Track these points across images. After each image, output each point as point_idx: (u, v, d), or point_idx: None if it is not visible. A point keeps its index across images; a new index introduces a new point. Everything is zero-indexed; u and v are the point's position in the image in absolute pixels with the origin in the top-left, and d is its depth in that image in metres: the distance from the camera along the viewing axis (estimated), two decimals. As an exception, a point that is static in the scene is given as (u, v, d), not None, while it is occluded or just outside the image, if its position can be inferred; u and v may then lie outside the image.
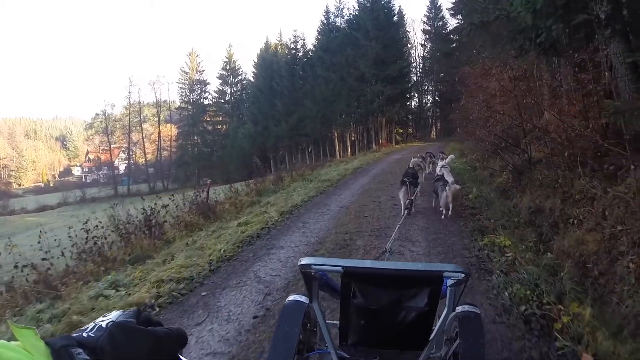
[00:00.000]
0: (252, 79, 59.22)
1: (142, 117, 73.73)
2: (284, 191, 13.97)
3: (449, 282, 1.65)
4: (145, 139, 75.27)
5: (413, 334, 1.75)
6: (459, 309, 1.91)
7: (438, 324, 1.78)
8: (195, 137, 69.90)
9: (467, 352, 1.75)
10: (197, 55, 72.05)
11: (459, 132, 19.65)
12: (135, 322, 0.84)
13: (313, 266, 1.68)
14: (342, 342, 1.90)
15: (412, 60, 57.01)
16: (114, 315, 0.86)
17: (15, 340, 0.64)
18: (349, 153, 42.74)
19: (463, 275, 1.58)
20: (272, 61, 50.31)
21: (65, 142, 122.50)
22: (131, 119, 71.50)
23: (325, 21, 45.35)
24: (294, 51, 49.06)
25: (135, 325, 0.82)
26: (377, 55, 39.06)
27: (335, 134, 44.59)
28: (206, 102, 70.84)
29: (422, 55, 61.34)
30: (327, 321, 1.95)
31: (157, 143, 74.46)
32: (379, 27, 40.06)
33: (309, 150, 46.90)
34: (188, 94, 70.43)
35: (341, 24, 45.03)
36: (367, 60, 39.32)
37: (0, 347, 0.60)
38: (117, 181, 67.84)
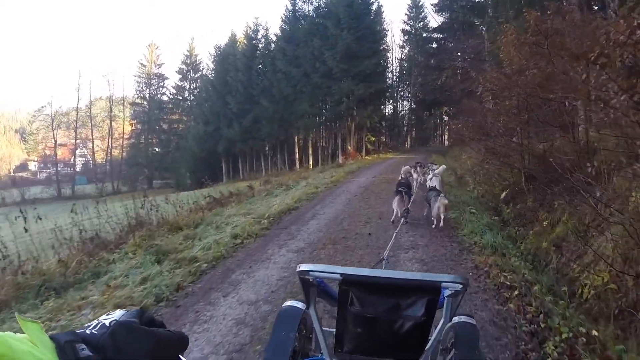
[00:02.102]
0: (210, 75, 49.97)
1: (91, 112, 64.27)
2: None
3: (447, 292, 1.60)
4: (100, 136, 66.18)
5: (409, 343, 1.65)
6: (455, 319, 1.84)
7: (434, 334, 1.75)
8: (150, 136, 61.00)
9: None
10: (157, 47, 63.74)
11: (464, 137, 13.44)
12: (138, 322, 0.83)
13: (311, 273, 1.62)
14: (337, 349, 1.78)
15: (389, 64, 50.04)
16: (117, 314, 0.83)
17: (22, 333, 0.64)
18: (311, 163, 34.42)
19: (461, 285, 1.52)
20: (228, 53, 41.47)
21: (24, 135, 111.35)
22: (80, 114, 62.47)
23: (291, 7, 36.70)
24: (253, 42, 40.09)
25: (137, 325, 0.81)
26: (349, 47, 30.72)
27: (296, 140, 35.86)
28: (164, 98, 62.11)
29: (400, 57, 54.39)
30: (323, 328, 1.87)
31: (109, 141, 64.89)
32: (353, 15, 31.77)
33: (268, 157, 38.27)
34: (144, 88, 61.75)
35: (308, 11, 36.47)
36: (336, 53, 30.97)
37: (11, 338, 0.60)
38: (73, 180, 60.49)
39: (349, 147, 33.03)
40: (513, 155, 8.91)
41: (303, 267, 1.63)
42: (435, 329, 1.74)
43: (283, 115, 33.69)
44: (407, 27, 48.52)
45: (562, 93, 7.30)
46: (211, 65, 46.35)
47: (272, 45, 38.43)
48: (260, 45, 39.82)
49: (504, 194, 8.33)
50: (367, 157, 31.33)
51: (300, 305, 1.95)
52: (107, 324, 0.77)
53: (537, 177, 7.71)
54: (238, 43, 42.44)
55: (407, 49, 50.97)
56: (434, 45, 43.36)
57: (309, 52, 32.52)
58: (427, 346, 1.73)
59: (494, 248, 5.80)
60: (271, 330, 1.91)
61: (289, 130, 34.33)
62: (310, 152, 35.15)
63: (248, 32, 40.65)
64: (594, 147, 6.94)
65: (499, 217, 8.07)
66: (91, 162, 67.23)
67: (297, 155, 35.52)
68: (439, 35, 42.31)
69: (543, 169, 7.87)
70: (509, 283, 4.48)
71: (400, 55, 54.11)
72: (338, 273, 1.56)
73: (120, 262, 6.04)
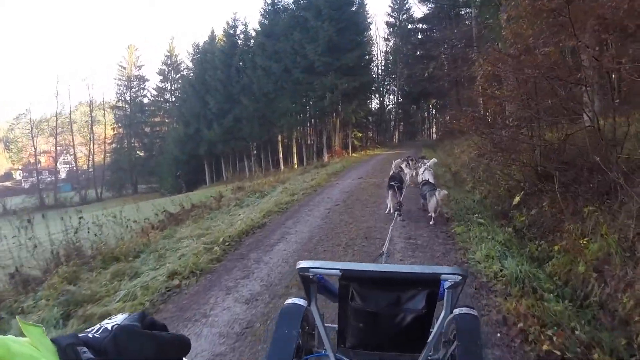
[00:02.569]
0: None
1: (71, 118, 61.90)
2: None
3: (447, 284, 1.55)
4: (84, 142, 63.67)
5: (411, 336, 1.65)
6: (456, 311, 1.85)
7: (436, 327, 1.69)
8: (133, 140, 58.87)
9: (465, 354, 1.70)
10: (137, 49, 61.51)
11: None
12: (140, 325, 0.82)
13: (311, 269, 1.61)
14: (340, 345, 1.81)
15: (374, 57, 48.44)
16: (119, 318, 0.83)
17: (23, 336, 0.64)
18: (295, 162, 32.63)
19: (460, 277, 1.50)
20: (207, 51, 39.43)
21: (8, 144, 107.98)
22: (61, 120, 60.31)
23: (270, 0, 34.69)
24: (233, 38, 37.91)
25: (139, 329, 0.80)
26: (331, 40, 28.89)
27: (280, 139, 34.00)
28: (145, 100, 59.86)
29: (385, 50, 52.77)
30: (325, 324, 1.84)
31: (90, 146, 62.48)
32: (334, 6, 29.81)
33: (251, 158, 36.43)
34: (125, 91, 59.55)
35: (288, 4, 34.36)
36: (317, 46, 29.13)
37: (10, 341, 0.59)
38: (56, 187, 57.63)
39: (335, 145, 31.31)
40: (523, 150, 7.34)
41: (302, 264, 1.60)
42: (437, 321, 1.67)
43: (264, 114, 31.81)
44: (392, 20, 47.12)
45: (584, 74, 5.76)
46: (190, 65, 43.98)
47: (252, 41, 36.36)
48: (239, 42, 37.71)
49: (517, 199, 6.70)
50: (353, 154, 29.62)
51: (301, 302, 1.94)
52: (109, 328, 0.77)
53: (554, 175, 6.10)
54: (217, 40, 40.31)
55: (392, 41, 49.49)
56: (420, 36, 41.72)
57: (290, 47, 30.62)
58: (429, 339, 1.69)
59: (521, 282, 4.10)
60: (273, 329, 1.88)
61: (271, 130, 32.40)
62: (295, 151, 33.25)
63: (227, 28, 38.52)
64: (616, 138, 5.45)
65: (510, 226, 6.43)
66: (75, 168, 64.77)
67: (280, 155, 33.59)
68: (424, 26, 40.55)
69: (561, 166, 6.29)
70: (558, 352, 2.93)
71: (385, 48, 52.62)
72: (337, 269, 1.54)
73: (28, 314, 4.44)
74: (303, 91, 30.12)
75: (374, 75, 41.74)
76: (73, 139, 61.67)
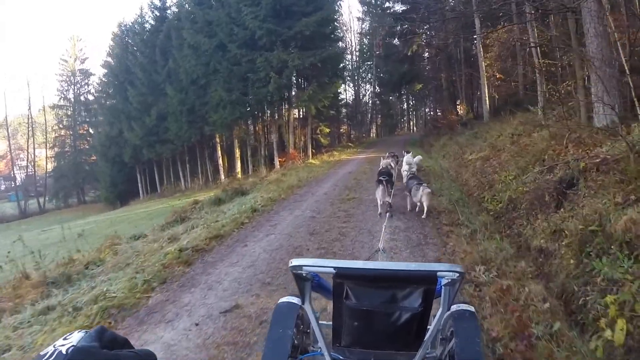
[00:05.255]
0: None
1: (7, 121, 51.41)
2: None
3: (444, 281, 1.50)
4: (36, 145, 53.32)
5: (408, 334, 1.53)
6: (453, 307, 1.72)
7: (433, 324, 1.60)
8: (77, 143, 48.69)
9: (463, 351, 1.58)
10: (80, 40, 51.01)
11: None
12: (99, 344, 0.73)
13: (304, 267, 1.51)
14: (335, 343, 1.66)
15: (348, 44, 39.33)
16: (75, 338, 0.73)
17: None
18: (239, 171, 23.04)
19: (458, 274, 1.41)
20: (134, 32, 29.46)
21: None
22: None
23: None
24: (164, 12, 27.93)
25: (98, 350, 0.72)
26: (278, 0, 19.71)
27: (218, 141, 24.33)
28: (90, 98, 49.17)
29: (359, 31, 43.55)
30: (320, 322, 1.75)
31: (27, 152, 52.16)
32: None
33: (187, 166, 26.85)
34: (67, 88, 49.30)
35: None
36: (259, 10, 19.60)
37: None
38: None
39: (290, 146, 21.79)
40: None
41: (295, 262, 1.50)
42: (434, 318, 1.59)
43: (193, 107, 22.19)
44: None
45: None
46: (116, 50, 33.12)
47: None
48: (169, 16, 27.52)
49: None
50: (313, 160, 19.75)
51: (296, 300, 1.81)
52: (64, 352, 0.67)
53: None
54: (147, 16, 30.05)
55: (368, 21, 40.35)
56: (400, 9, 32.32)
57: (225, 14, 21.05)
58: (426, 336, 1.58)
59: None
60: (268, 328, 1.77)
61: (203, 129, 22.58)
62: (239, 155, 23.44)
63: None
64: None
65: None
66: (11, 175, 54.42)
67: (220, 162, 23.90)
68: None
69: None
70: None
71: (359, 29, 43.48)
72: (331, 267, 1.44)
73: None
74: (241, 73, 20.32)
75: (347, 62, 32.18)
76: (10, 143, 51.26)
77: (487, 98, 19.00)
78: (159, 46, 25.09)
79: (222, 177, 23.10)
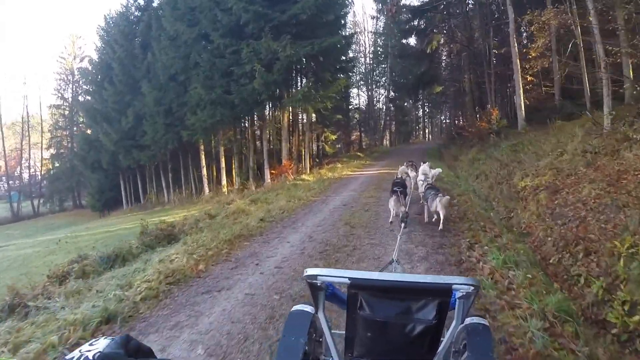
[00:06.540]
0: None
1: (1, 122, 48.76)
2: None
3: (458, 294, 1.40)
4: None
5: (421, 346, 1.48)
6: (467, 320, 1.64)
7: (446, 337, 1.53)
8: (73, 144, 45.82)
9: None
10: (79, 37, 48.83)
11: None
12: (124, 351, 0.74)
13: (319, 277, 1.45)
14: (348, 353, 1.60)
15: (362, 46, 35.55)
16: (101, 344, 0.73)
17: None
18: (225, 184, 19.18)
19: (473, 287, 1.35)
20: (118, 24, 25.84)
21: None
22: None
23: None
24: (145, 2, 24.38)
25: (124, 358, 0.72)
26: (268, -22, 15.70)
27: (202, 148, 20.45)
28: (88, 97, 46.28)
29: (372, 31, 39.74)
30: (333, 331, 1.64)
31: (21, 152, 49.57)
32: None
33: (169, 175, 23.11)
34: (64, 87, 46.83)
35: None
36: (247, -9, 15.82)
37: None
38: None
39: (283, 156, 17.77)
40: None
41: (310, 271, 1.46)
42: (447, 331, 1.53)
43: (170, 108, 18.42)
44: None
45: None
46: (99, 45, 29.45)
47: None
48: (154, 4, 23.77)
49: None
50: (306, 176, 15.70)
51: (309, 308, 1.77)
52: (91, 357, 0.68)
53: None
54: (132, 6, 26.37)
55: (383, 21, 36.56)
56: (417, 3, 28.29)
57: (207, 0, 17.31)
58: (439, 349, 1.53)
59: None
60: (281, 336, 1.71)
61: (181, 133, 18.53)
62: (224, 164, 19.37)
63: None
64: None
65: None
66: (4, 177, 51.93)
67: (203, 172, 20.05)
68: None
69: None
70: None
71: (373, 28, 39.67)
72: (346, 277, 1.41)
73: None
74: (224, 67, 16.47)
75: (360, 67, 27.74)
76: (3, 144, 48.44)
77: (522, 102, 15.26)
78: (139, 37, 21.49)
79: (206, 190, 19.28)
